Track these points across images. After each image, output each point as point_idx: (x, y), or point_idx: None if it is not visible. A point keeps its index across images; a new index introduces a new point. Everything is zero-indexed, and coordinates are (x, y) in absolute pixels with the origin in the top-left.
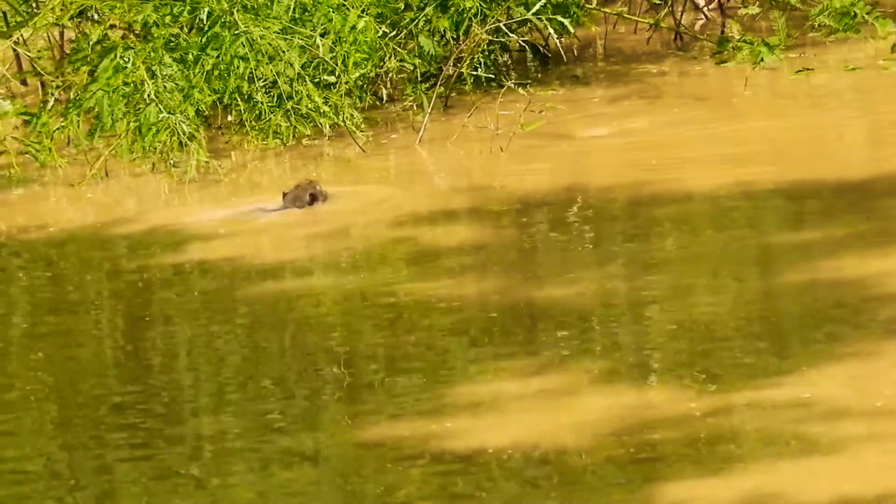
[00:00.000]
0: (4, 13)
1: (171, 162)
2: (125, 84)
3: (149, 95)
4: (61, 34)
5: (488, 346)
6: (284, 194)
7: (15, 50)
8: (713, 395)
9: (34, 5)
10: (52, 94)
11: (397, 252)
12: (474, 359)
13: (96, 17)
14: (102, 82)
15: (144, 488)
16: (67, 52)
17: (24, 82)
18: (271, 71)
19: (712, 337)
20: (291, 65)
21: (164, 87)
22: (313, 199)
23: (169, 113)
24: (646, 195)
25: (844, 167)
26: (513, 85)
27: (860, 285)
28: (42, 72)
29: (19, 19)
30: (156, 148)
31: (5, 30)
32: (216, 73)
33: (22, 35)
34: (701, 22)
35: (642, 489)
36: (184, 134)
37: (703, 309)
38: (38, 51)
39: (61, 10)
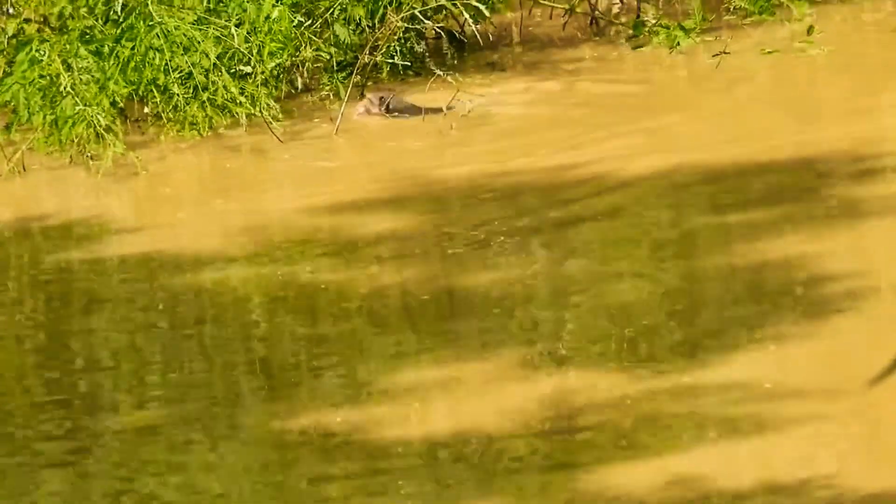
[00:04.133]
0: None
1: (89, 155)
2: (41, 77)
3: (65, 88)
4: None
5: (409, 334)
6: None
7: None
8: (635, 380)
9: None
10: None
11: (316, 241)
12: (395, 348)
13: (11, 10)
14: (18, 75)
15: (67, 480)
16: None
17: None
18: (186, 62)
19: (634, 322)
20: (207, 55)
21: (80, 79)
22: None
23: (85, 105)
24: (565, 180)
25: (763, 151)
26: (439, 73)
27: (781, 268)
28: None
29: None
30: (73, 141)
31: None
32: (132, 64)
33: None
34: (616, 6)
35: (565, 475)
36: (100, 126)
37: (624, 294)
38: None
39: None
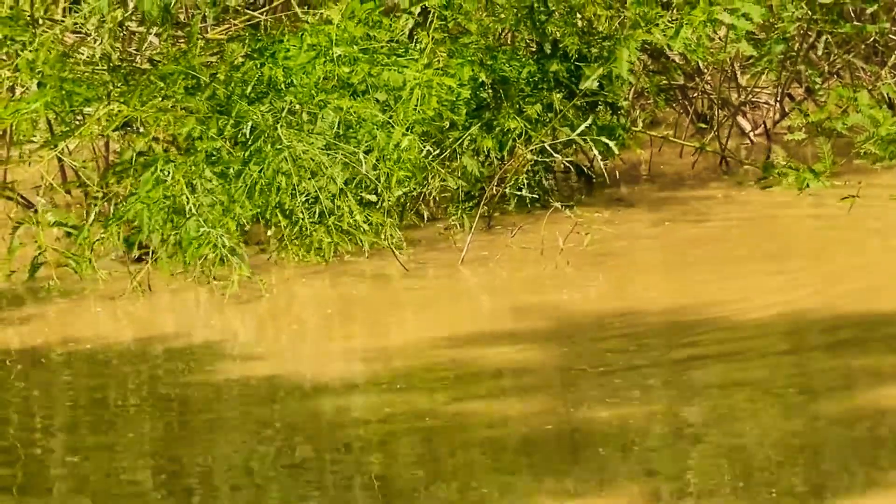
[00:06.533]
0: (50, 123)
1: (212, 277)
2: (165, 197)
3: (189, 209)
4: (106, 145)
5: (527, 467)
6: None
7: (60, 160)
8: None
9: (80, 116)
10: (95, 206)
11: (437, 371)
12: (512, 480)
13: (141, 129)
14: (142, 195)
15: None
16: (112, 163)
17: (68, 193)
18: (313, 187)
19: (753, 464)
20: (334, 181)
21: (204, 201)
22: None
23: (210, 227)
24: (686, 319)
25: (889, 297)
26: (558, 206)
27: None
28: (86, 183)
29: (65, 129)
30: (197, 262)
31: (50, 139)
32: (258, 187)
33: (67, 146)
34: (746, 147)
35: None
36: (224, 248)
37: (744, 435)
38: (83, 161)
39: (107, 121)
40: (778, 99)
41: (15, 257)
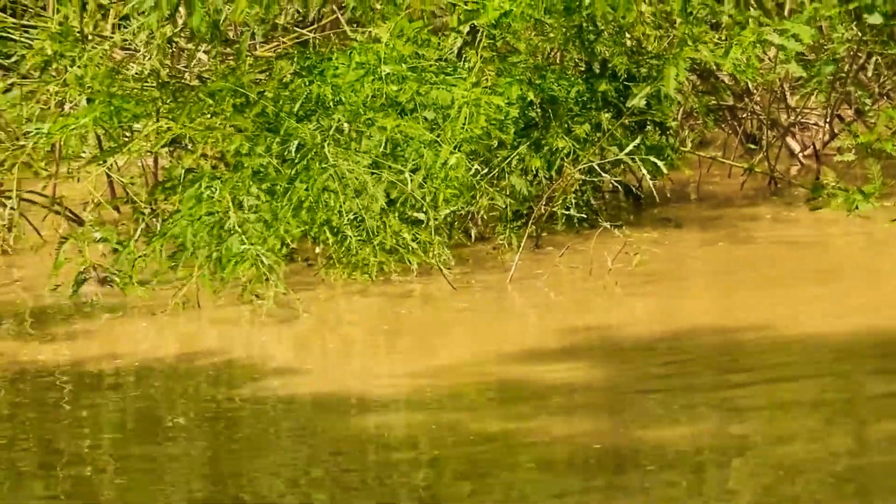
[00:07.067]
0: (99, 139)
1: (254, 294)
2: (209, 214)
3: (231, 226)
4: (155, 162)
5: (574, 486)
6: None
7: (108, 176)
8: None
9: (128, 132)
10: (142, 222)
11: (484, 390)
12: (561, 501)
13: (190, 146)
14: (186, 211)
15: None
16: (160, 179)
17: (116, 209)
18: (358, 205)
19: (800, 487)
20: (376, 199)
21: (248, 217)
22: None
23: (251, 244)
24: (735, 340)
25: None
26: (606, 225)
27: None
28: (134, 199)
29: (113, 145)
30: (238, 279)
31: (99, 155)
32: (306, 204)
33: (116, 161)
34: (796, 168)
35: None
36: (264, 265)
37: (792, 456)
38: (132, 178)
39: (155, 137)
40: (827, 120)
41: (60, 272)
